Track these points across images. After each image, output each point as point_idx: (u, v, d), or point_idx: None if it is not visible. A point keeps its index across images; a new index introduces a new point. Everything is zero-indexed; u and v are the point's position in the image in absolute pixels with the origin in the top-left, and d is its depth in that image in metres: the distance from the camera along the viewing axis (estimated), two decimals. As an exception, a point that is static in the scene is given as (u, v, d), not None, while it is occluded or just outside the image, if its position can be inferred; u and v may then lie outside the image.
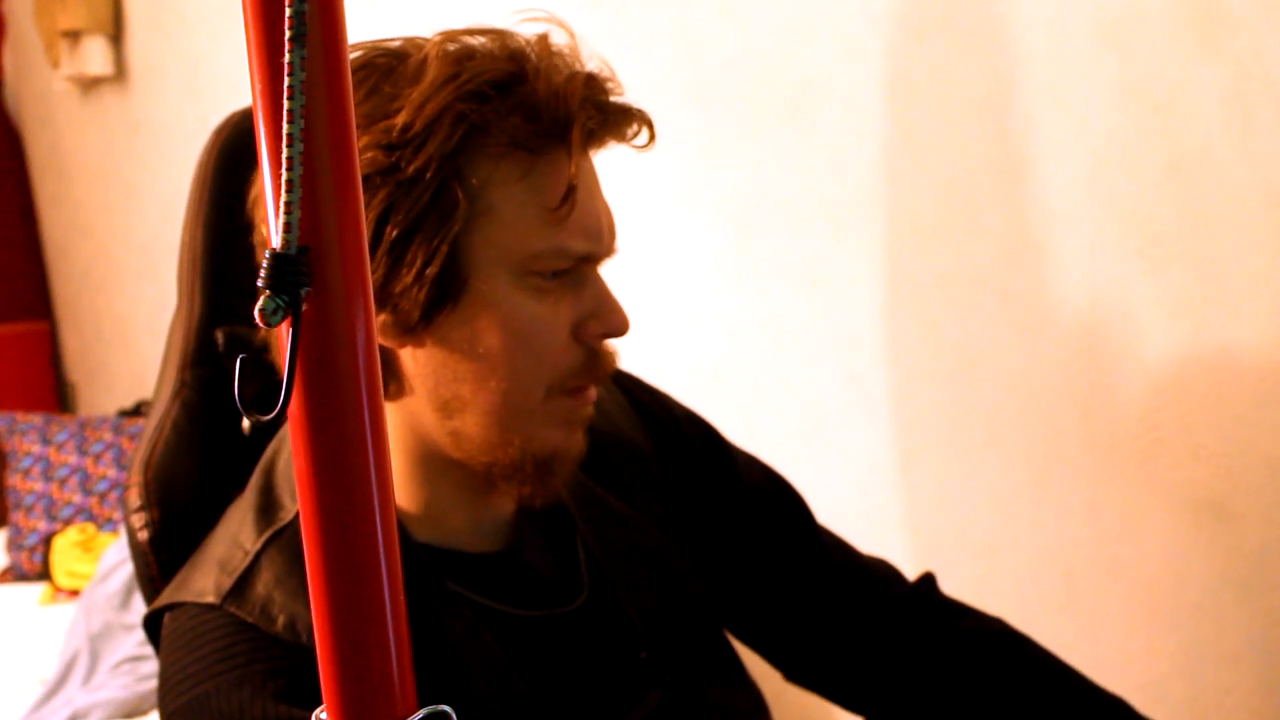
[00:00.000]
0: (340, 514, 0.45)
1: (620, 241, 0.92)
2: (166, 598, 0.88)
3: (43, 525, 2.83)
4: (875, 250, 1.55)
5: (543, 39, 0.85)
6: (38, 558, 2.80)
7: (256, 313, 0.42)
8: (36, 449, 2.92)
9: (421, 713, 0.46)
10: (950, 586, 1.58)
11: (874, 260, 1.57)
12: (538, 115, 0.82)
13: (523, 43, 0.85)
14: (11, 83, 3.87)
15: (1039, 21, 1.34)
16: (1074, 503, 1.42)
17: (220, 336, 1.00)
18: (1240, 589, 1.30)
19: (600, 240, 0.87)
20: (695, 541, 1.04)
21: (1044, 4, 1.33)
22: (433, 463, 0.88)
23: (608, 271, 0.92)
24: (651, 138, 0.89)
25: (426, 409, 0.86)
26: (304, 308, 0.43)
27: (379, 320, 0.83)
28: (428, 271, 0.81)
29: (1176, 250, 1.27)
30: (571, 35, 0.87)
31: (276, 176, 0.42)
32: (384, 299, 0.82)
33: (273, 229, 0.42)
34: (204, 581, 0.85)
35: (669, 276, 1.79)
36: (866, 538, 1.66)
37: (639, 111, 0.88)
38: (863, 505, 1.65)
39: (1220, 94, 1.21)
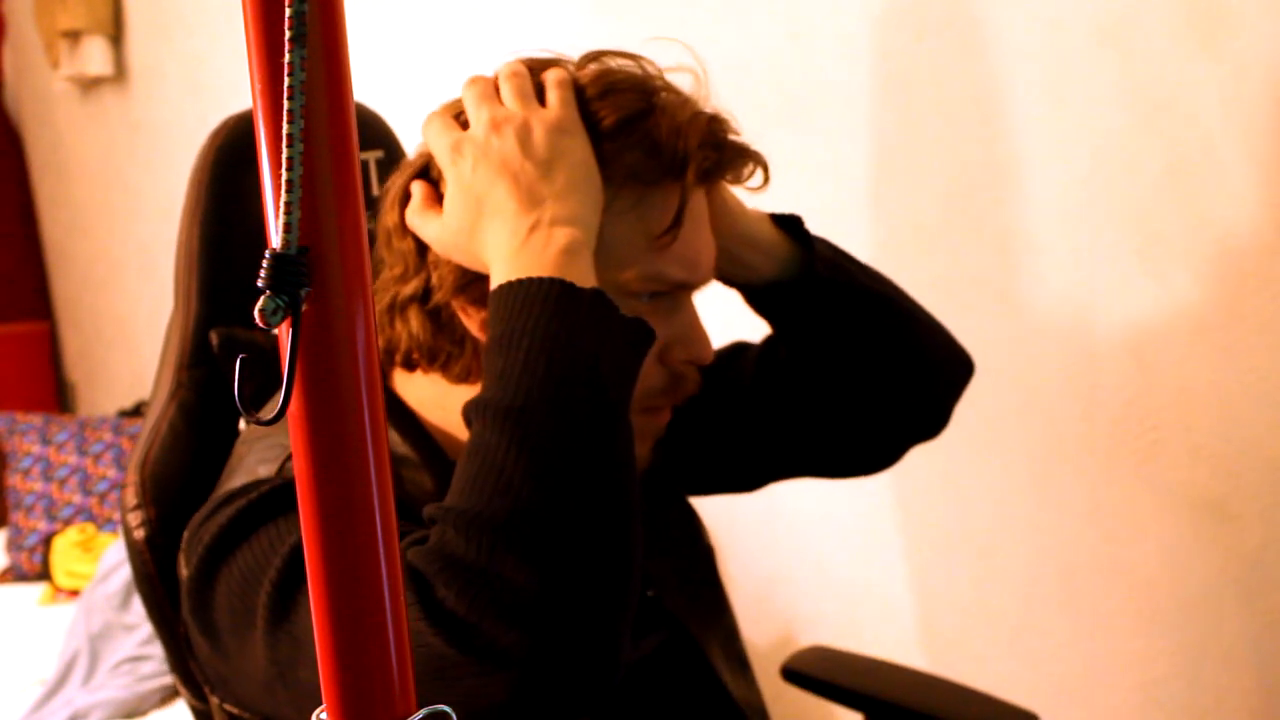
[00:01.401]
0: (340, 514, 0.45)
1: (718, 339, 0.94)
2: (202, 513, 0.86)
3: (43, 525, 2.83)
4: (875, 250, 1.55)
5: (659, 70, 0.88)
6: (38, 558, 2.80)
7: (256, 313, 0.42)
8: (36, 449, 2.92)
9: (421, 713, 0.46)
10: (950, 586, 1.58)
11: (874, 260, 1.57)
12: (658, 151, 0.84)
13: (654, 74, 0.88)
14: (11, 83, 3.87)
15: (1039, 21, 1.34)
16: (1074, 503, 1.42)
17: (215, 338, 1.01)
18: (1240, 589, 1.30)
19: (697, 271, 0.89)
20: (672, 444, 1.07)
21: (1044, 4, 1.33)
22: None
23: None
24: (766, 180, 0.92)
25: None
26: (304, 308, 0.43)
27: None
28: None
29: (1176, 250, 1.28)
30: (701, 70, 0.90)
31: (276, 176, 0.42)
32: None
33: (272, 229, 0.42)
34: (246, 478, 0.85)
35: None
36: (867, 538, 1.66)
37: (755, 153, 0.90)
38: (862, 505, 1.65)
39: (1220, 94, 1.21)
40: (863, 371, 1.02)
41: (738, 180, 0.91)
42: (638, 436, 0.89)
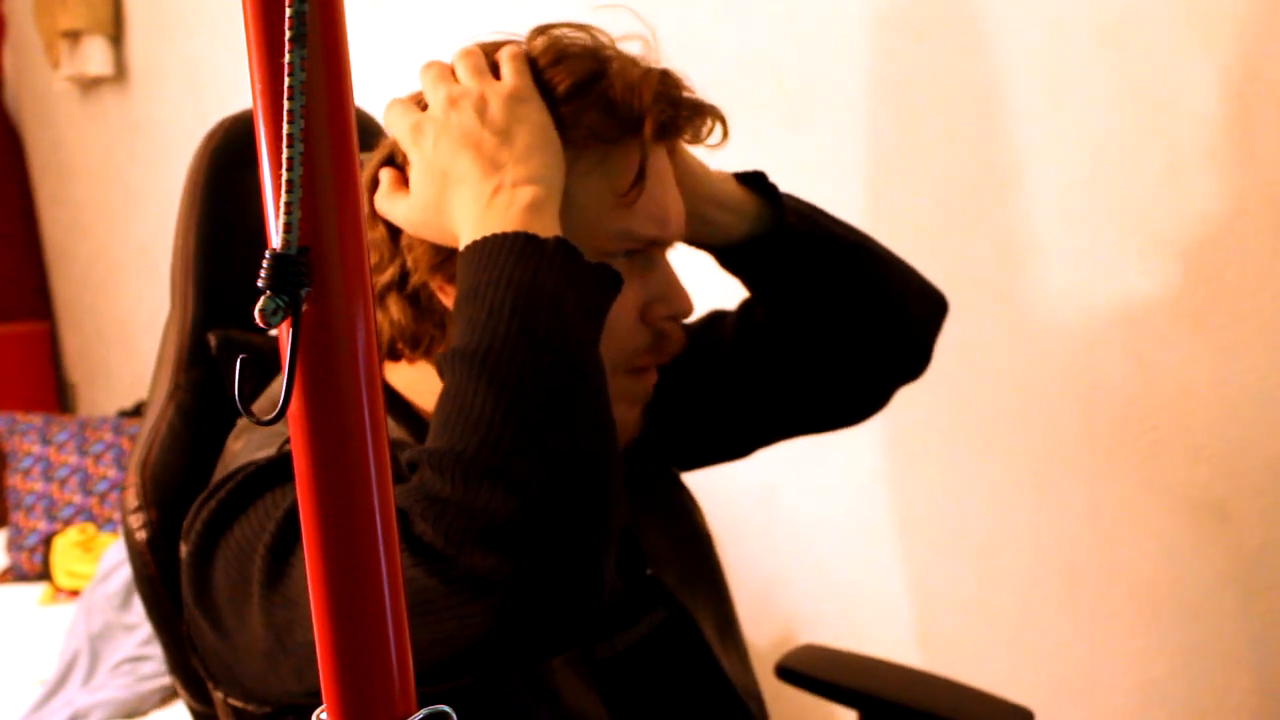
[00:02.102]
0: (340, 514, 0.45)
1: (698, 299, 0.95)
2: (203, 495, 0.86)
3: (43, 525, 2.83)
4: (875, 250, 1.55)
5: (609, 36, 0.91)
6: (38, 558, 2.80)
7: (256, 313, 0.42)
8: (36, 449, 2.92)
9: (421, 713, 0.46)
10: (950, 586, 1.58)
11: (874, 260, 1.57)
12: (614, 109, 0.86)
13: (605, 40, 0.90)
14: (11, 83, 3.87)
15: (1039, 21, 1.34)
16: (1074, 503, 1.42)
17: (212, 339, 1.01)
18: (1240, 589, 1.30)
19: (667, 226, 0.91)
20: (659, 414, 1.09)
21: (1044, 4, 1.33)
22: None
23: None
24: (725, 134, 0.93)
25: None
26: (304, 308, 0.43)
27: None
28: None
29: (1176, 250, 1.28)
30: (650, 35, 0.92)
31: (276, 176, 0.42)
32: None
33: (273, 229, 0.42)
34: (248, 458, 0.85)
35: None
36: (867, 538, 1.66)
37: (711, 107, 0.92)
38: (863, 506, 1.65)
39: (1220, 94, 1.21)
40: (841, 318, 1.04)
41: (697, 138, 0.93)
42: (626, 400, 0.91)
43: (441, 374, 0.77)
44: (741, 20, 1.65)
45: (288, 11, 0.40)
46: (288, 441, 0.82)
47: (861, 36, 1.51)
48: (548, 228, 0.79)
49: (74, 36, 3.11)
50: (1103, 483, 1.39)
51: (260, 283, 0.42)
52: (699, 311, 1.15)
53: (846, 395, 1.11)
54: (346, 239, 0.44)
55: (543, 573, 0.69)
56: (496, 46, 0.89)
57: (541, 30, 0.90)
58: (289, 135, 0.41)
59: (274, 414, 0.43)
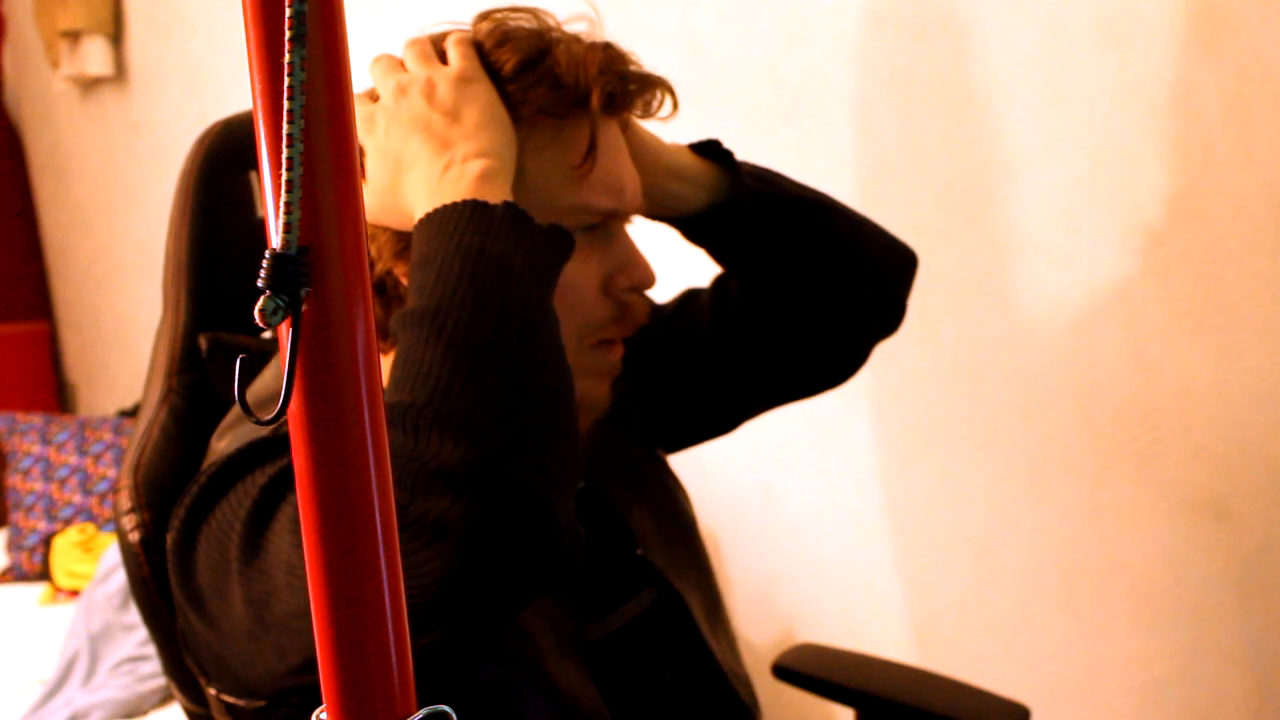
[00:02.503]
0: (340, 514, 0.45)
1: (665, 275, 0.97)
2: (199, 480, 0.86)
3: (43, 525, 2.83)
4: (875, 250, 1.55)
5: (554, 18, 0.92)
6: (38, 558, 2.80)
7: (256, 313, 0.42)
8: (36, 449, 2.92)
9: (421, 713, 0.46)
10: (950, 586, 1.58)
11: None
12: (561, 84, 0.88)
13: (551, 23, 0.92)
14: (11, 83, 3.87)
15: (1039, 21, 1.34)
16: (1074, 503, 1.42)
17: (203, 342, 1.02)
18: (1240, 589, 1.30)
19: (623, 197, 0.92)
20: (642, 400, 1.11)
21: (1044, 4, 1.33)
22: None
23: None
24: (675, 106, 0.95)
25: None
26: (304, 308, 0.43)
27: None
28: None
29: (1176, 250, 1.28)
30: (594, 14, 0.94)
31: (276, 176, 0.42)
32: None
33: (273, 229, 0.42)
34: (248, 439, 0.85)
35: (669, 277, 1.79)
36: (866, 538, 1.66)
37: (658, 78, 0.93)
38: (863, 505, 1.65)
39: (1220, 94, 1.21)
40: (809, 277, 1.06)
41: (648, 111, 0.94)
42: (594, 373, 0.93)
43: (396, 340, 0.78)
44: (742, 20, 1.65)
45: (288, 11, 0.40)
46: (273, 430, 0.82)
47: (861, 36, 1.51)
48: (498, 195, 0.80)
49: (74, 36, 3.11)
50: (1102, 482, 1.39)
51: (260, 282, 0.42)
52: (673, 290, 1.17)
53: (825, 356, 1.13)
54: (346, 239, 0.44)
55: (496, 513, 0.70)
56: (444, 35, 0.91)
57: (486, 15, 0.92)
58: (289, 135, 0.41)
59: (274, 414, 0.43)
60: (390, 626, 0.46)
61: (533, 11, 0.92)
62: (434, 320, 0.75)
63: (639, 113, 0.94)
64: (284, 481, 0.78)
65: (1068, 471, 1.42)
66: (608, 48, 0.90)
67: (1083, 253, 1.35)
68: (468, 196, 0.79)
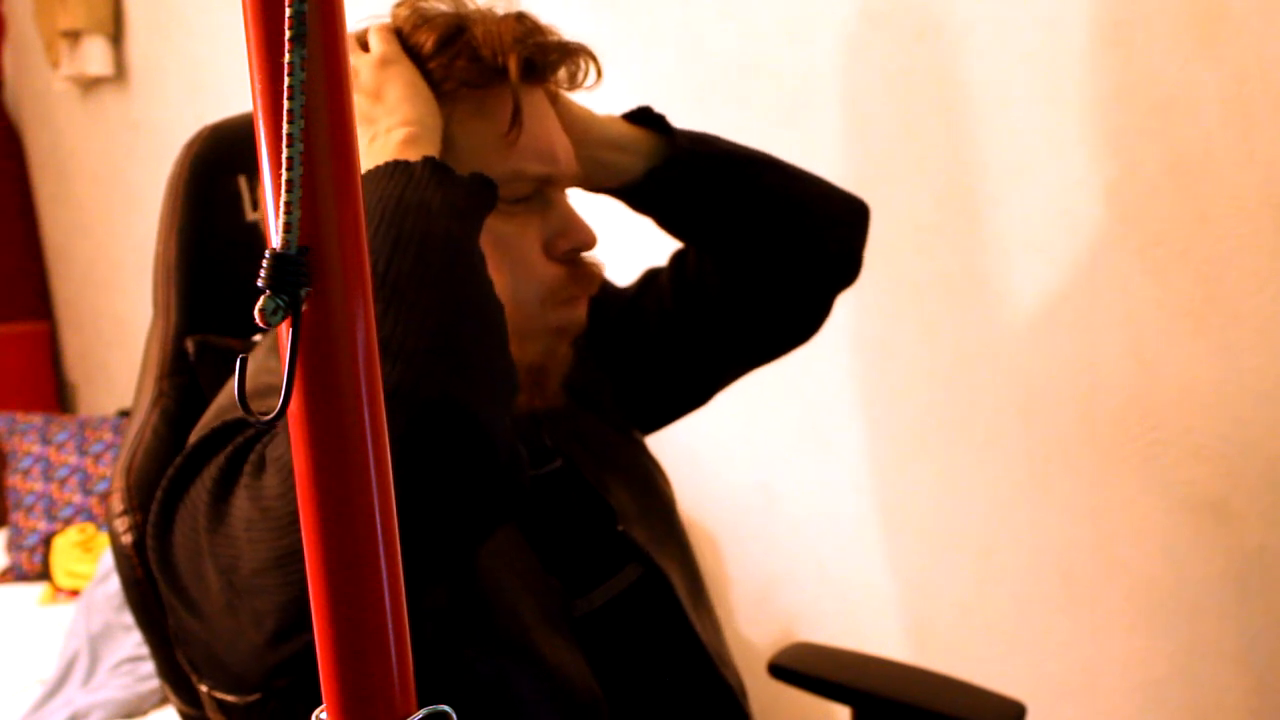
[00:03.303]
0: (340, 514, 0.45)
1: (572, 164, 0.98)
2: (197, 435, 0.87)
3: (43, 525, 2.83)
4: (875, 250, 1.55)
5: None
6: (38, 558, 2.80)
7: (256, 313, 0.42)
8: (36, 449, 2.92)
9: (421, 713, 0.46)
10: (950, 586, 1.58)
11: (874, 260, 1.57)
12: (478, 55, 0.91)
13: (468, 4, 0.95)
14: (11, 83, 3.87)
15: (1039, 21, 1.34)
16: (1074, 503, 1.42)
17: (190, 345, 1.02)
18: (1240, 589, 1.30)
19: (555, 163, 0.94)
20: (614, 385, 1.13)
21: (1044, 4, 1.33)
22: None
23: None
24: (599, 75, 0.97)
25: None
26: (304, 308, 0.43)
27: None
28: None
29: (1176, 250, 1.28)
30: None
31: (276, 176, 0.42)
32: None
33: (273, 229, 0.42)
34: (212, 425, 0.86)
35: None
36: (866, 538, 1.66)
37: (577, 45, 0.96)
38: (862, 505, 1.65)
39: (1220, 94, 1.21)
40: (757, 234, 1.08)
41: (574, 82, 0.97)
42: (554, 329, 0.95)
43: None
44: (742, 20, 1.65)
45: (288, 11, 0.40)
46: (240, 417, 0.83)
47: (861, 36, 1.51)
48: (420, 156, 0.82)
49: (74, 36, 3.11)
50: (1103, 482, 1.39)
51: (260, 282, 0.42)
52: (631, 270, 1.19)
53: (786, 313, 1.15)
54: (346, 239, 0.44)
55: (426, 428, 0.70)
56: (366, 29, 0.94)
57: (402, 3, 0.95)
58: (289, 135, 0.41)
59: (274, 413, 0.43)
60: (390, 626, 0.46)
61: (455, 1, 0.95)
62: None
63: (566, 85, 0.97)
64: (246, 450, 0.78)
65: (1067, 471, 1.42)
66: (521, 17, 0.93)
67: (1083, 253, 1.35)
68: (390, 159, 0.81)
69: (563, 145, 0.96)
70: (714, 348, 1.16)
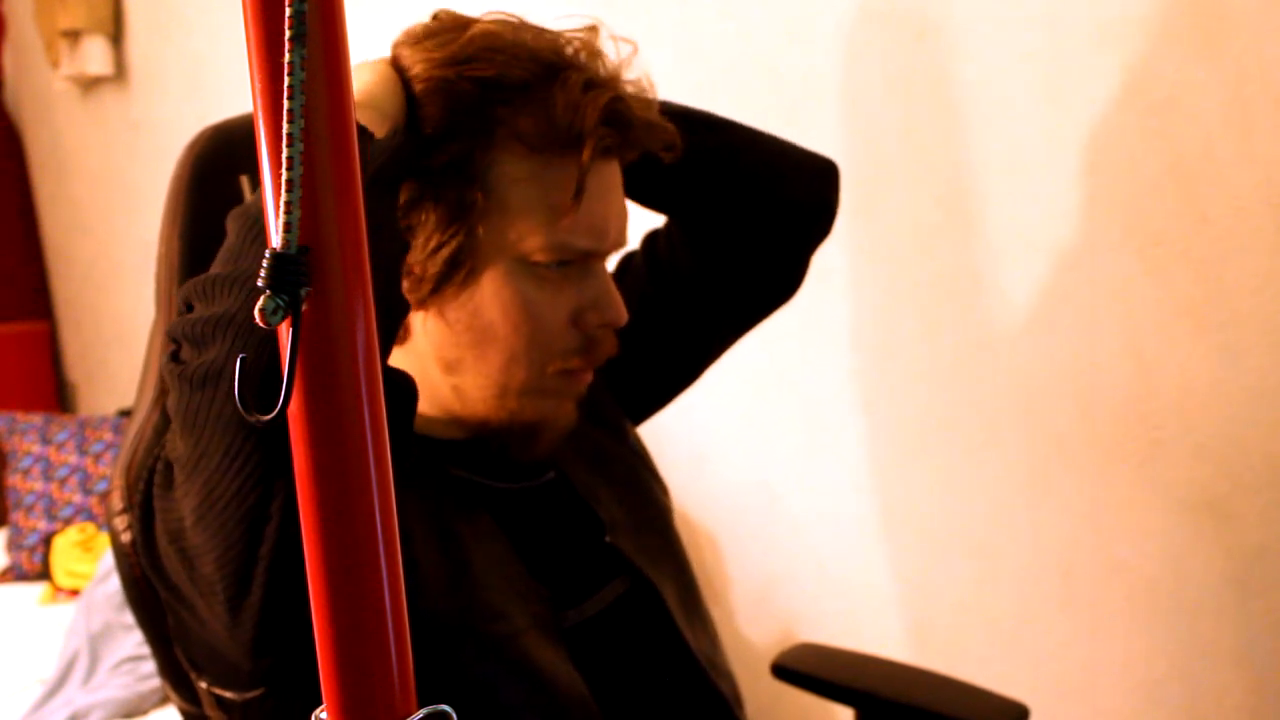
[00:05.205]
0: (340, 514, 0.45)
1: (629, 234, 0.96)
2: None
3: (43, 525, 2.83)
4: (875, 250, 1.55)
5: (588, 45, 0.89)
6: (38, 558, 2.80)
7: (256, 313, 0.42)
8: (36, 449, 2.92)
9: (421, 713, 0.46)
10: (950, 586, 1.58)
11: (874, 260, 1.57)
12: (552, 123, 0.86)
13: (560, 45, 0.89)
14: (11, 83, 3.87)
15: (1039, 21, 1.34)
16: (1074, 502, 1.42)
17: None
18: (1240, 588, 1.30)
19: (605, 239, 0.91)
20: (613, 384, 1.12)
21: (1043, 4, 1.33)
22: (433, 398, 0.94)
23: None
24: (678, 153, 0.95)
25: (431, 362, 0.93)
26: (304, 308, 0.43)
27: None
28: (440, 253, 0.87)
29: (1176, 250, 1.28)
30: (633, 48, 0.92)
31: (276, 176, 0.42)
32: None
33: (273, 229, 0.42)
34: None
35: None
36: (866, 537, 1.66)
37: (662, 129, 0.92)
38: (862, 505, 1.65)
39: (1220, 94, 1.21)
40: (730, 189, 1.07)
41: (648, 152, 0.94)
42: (555, 394, 0.94)
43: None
44: (741, 20, 1.65)
45: (288, 11, 0.40)
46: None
47: (861, 36, 1.51)
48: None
49: (74, 36, 3.11)
50: (1103, 482, 1.39)
51: (260, 282, 0.42)
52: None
53: (765, 273, 1.14)
54: (346, 239, 0.44)
55: (263, 351, 0.70)
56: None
57: (503, 19, 0.90)
58: (289, 135, 0.41)
59: (274, 413, 0.43)
60: (390, 626, 0.46)
61: (543, 32, 0.90)
62: (245, 213, 0.77)
63: (638, 153, 0.93)
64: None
65: (1067, 471, 1.42)
66: (614, 99, 0.87)
67: (1083, 253, 1.35)
68: None
69: (618, 221, 0.93)
70: (697, 320, 1.14)
